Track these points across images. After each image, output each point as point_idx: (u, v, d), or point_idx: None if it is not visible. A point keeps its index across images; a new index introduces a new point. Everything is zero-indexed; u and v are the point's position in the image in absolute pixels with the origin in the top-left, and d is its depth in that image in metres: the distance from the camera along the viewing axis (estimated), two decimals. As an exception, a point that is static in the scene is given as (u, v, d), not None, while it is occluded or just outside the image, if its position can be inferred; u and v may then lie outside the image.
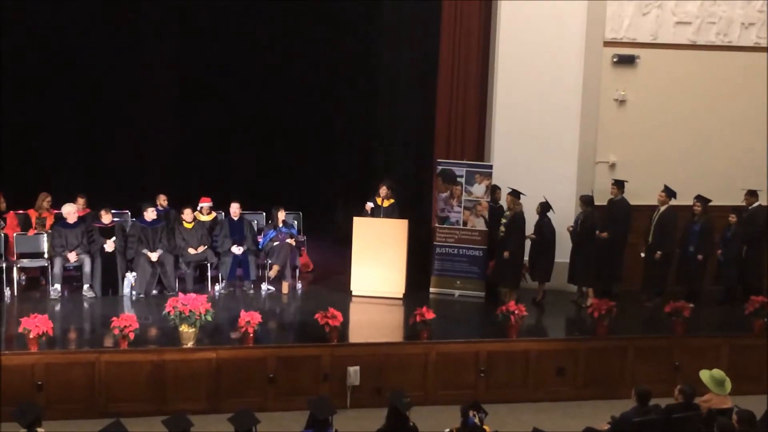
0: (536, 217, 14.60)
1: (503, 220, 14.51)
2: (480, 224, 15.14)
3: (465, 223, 15.22)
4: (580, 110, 15.52)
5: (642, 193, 15.24)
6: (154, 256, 14.41)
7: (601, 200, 15.19)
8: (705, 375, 10.44)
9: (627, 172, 15.54)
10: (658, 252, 14.68)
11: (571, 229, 14.69)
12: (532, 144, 15.43)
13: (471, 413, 9.37)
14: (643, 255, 14.95)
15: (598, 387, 12.87)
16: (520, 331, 12.98)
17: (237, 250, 14.87)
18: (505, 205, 14.68)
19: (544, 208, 14.55)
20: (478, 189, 15.14)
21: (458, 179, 15.19)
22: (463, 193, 15.19)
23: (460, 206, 15.22)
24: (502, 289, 14.64)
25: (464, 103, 15.81)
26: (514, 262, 14.41)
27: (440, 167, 15.37)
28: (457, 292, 15.16)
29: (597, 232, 14.68)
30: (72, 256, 14.27)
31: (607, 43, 15.57)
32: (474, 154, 15.80)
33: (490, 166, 15.28)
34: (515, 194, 14.41)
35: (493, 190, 15.11)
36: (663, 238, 14.73)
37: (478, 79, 15.81)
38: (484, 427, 9.40)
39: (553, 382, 12.84)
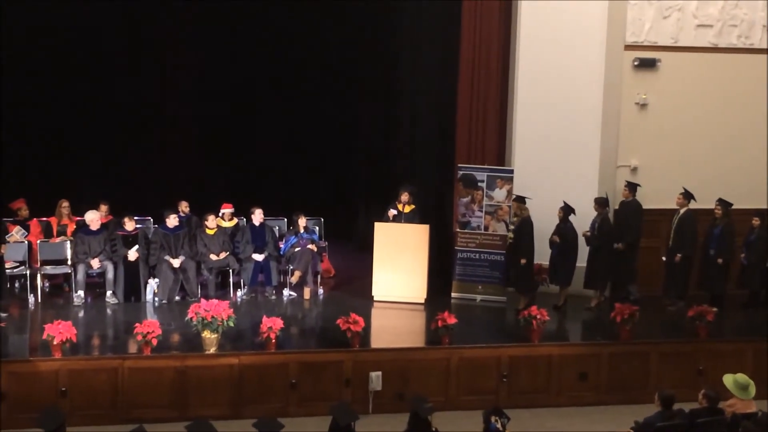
0: (556, 221, 14.56)
1: (511, 227, 14.49)
2: (501, 229, 15.12)
3: (486, 228, 15.20)
4: (601, 114, 15.47)
5: (664, 197, 15.19)
6: (176, 263, 14.48)
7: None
8: (729, 379, 10.36)
9: (649, 175, 15.51)
10: (678, 255, 14.62)
11: (588, 234, 14.62)
12: (553, 148, 15.41)
13: (493, 419, 9.33)
14: (664, 258, 14.89)
15: (621, 392, 12.81)
16: (541, 336, 12.94)
17: (258, 257, 14.91)
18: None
19: (566, 211, 14.52)
20: (500, 194, 15.13)
21: (479, 184, 15.18)
22: (485, 197, 15.17)
23: (482, 211, 15.21)
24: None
25: (485, 108, 15.79)
26: (527, 268, 14.37)
27: (461, 172, 15.37)
28: (478, 297, 15.14)
29: (614, 245, 14.66)
30: (95, 263, 14.36)
31: (628, 47, 15.52)
32: (495, 158, 15.78)
33: (511, 171, 15.26)
34: (520, 200, 14.42)
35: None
36: (683, 242, 14.67)
37: (499, 84, 15.79)
38: (507, 432, 9.38)
39: (576, 387, 12.79)
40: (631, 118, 15.66)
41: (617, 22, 15.36)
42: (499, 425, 9.31)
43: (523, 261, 14.30)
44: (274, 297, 14.98)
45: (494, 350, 12.77)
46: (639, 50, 15.56)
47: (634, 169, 15.67)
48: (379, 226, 14.83)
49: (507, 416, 9.40)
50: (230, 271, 15.05)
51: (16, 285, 14.82)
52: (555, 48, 15.24)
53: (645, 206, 15.06)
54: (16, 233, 14.84)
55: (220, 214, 15.40)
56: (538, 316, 12.80)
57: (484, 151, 15.86)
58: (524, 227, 14.34)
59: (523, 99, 15.53)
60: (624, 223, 14.91)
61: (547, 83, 15.32)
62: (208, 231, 14.94)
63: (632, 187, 14.99)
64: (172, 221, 14.77)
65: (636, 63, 15.53)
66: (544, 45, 15.28)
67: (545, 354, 12.82)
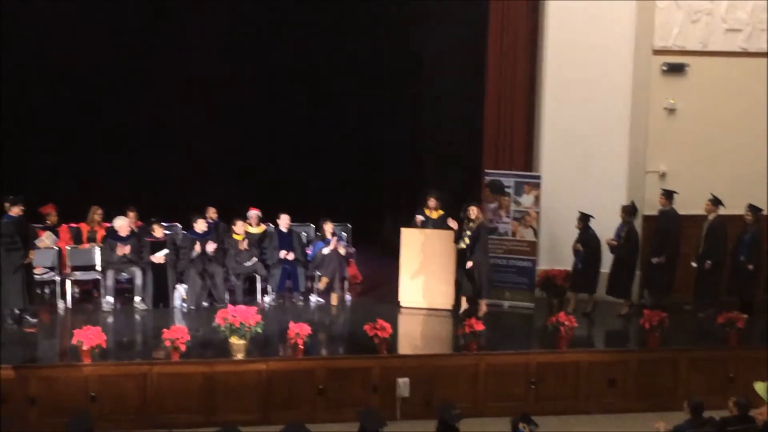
0: (577, 231, 14.54)
1: (468, 233, 14.18)
2: (529, 235, 15.08)
3: (514, 234, 15.16)
4: (630, 119, 15.40)
5: (693, 203, 15.04)
6: (208, 249, 14.57)
7: (651, 210, 15.09)
8: (760, 387, 10.29)
9: (677, 181, 15.39)
10: (708, 262, 14.52)
11: (613, 243, 14.52)
12: (580, 154, 15.35)
13: (521, 425, 9.30)
14: (694, 265, 14.79)
15: (650, 399, 12.71)
16: (570, 342, 12.88)
17: (287, 255, 14.96)
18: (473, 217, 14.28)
19: (585, 219, 14.45)
20: (527, 199, 15.09)
21: (506, 190, 15.15)
22: (512, 203, 15.14)
23: (509, 217, 15.18)
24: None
25: (512, 113, 15.77)
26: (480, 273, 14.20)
27: (488, 178, 15.34)
28: (506, 303, 15.10)
29: (653, 259, 14.64)
30: (126, 249, 14.47)
31: (657, 52, 15.45)
32: (522, 164, 15.75)
33: (539, 177, 15.22)
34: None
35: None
36: (712, 248, 14.57)
37: (526, 89, 15.76)
38: (536, 439, 9.34)
39: (605, 394, 12.71)
40: (660, 123, 15.57)
41: (645, 27, 15.29)
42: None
43: (469, 264, 14.12)
44: (301, 303, 15.01)
45: (522, 356, 12.73)
46: (667, 55, 15.48)
47: (663, 175, 15.58)
48: (406, 232, 14.83)
49: (535, 423, 9.37)
50: (258, 277, 15.08)
51: (46, 291, 14.93)
52: (582, 53, 15.17)
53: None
54: (46, 239, 14.94)
55: (247, 218, 15.44)
56: (567, 323, 12.75)
57: (512, 156, 15.84)
58: (482, 233, 14.17)
59: (551, 104, 15.48)
60: (663, 235, 14.79)
61: (575, 88, 15.26)
62: (235, 236, 14.99)
63: (669, 194, 14.82)
64: (200, 226, 14.82)
65: (664, 68, 15.46)
66: (571, 50, 15.21)
67: (573, 360, 12.75)
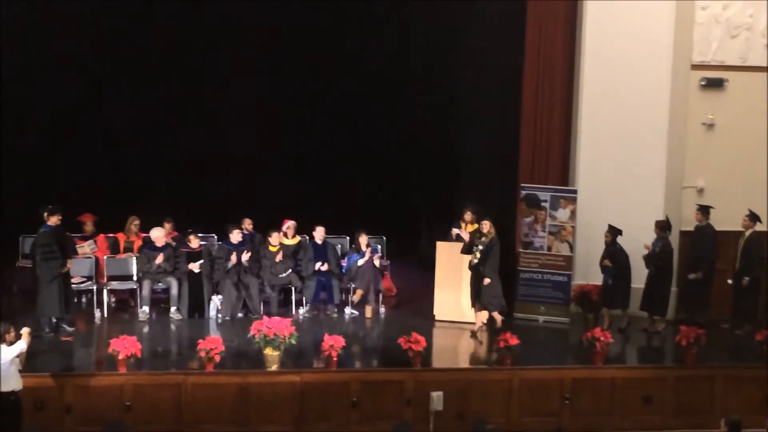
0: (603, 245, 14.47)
1: (480, 247, 14.01)
2: (564, 249, 15.01)
3: (549, 249, 15.10)
4: (667, 134, 15.31)
5: (730, 219, 14.94)
6: (242, 258, 14.62)
7: (688, 226, 14.97)
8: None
9: (715, 197, 15.25)
10: (746, 278, 14.38)
11: (649, 246, 14.39)
12: (617, 168, 15.28)
13: (556, 441, 9.27)
14: (730, 282, 14.65)
15: (686, 416, 12.62)
16: (605, 358, 12.80)
17: (324, 267, 15.01)
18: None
19: (614, 233, 14.36)
20: (563, 214, 15.03)
21: (542, 204, 15.10)
22: (548, 218, 15.08)
23: (545, 231, 15.12)
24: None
25: (548, 127, 15.73)
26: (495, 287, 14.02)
27: (524, 192, 15.30)
28: (541, 318, 15.03)
29: (689, 276, 14.56)
30: (160, 258, 14.56)
31: (695, 66, 15.35)
32: (558, 178, 15.69)
33: (575, 191, 15.16)
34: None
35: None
36: (749, 264, 14.46)
37: (563, 102, 15.72)
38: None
39: (640, 411, 12.61)
40: (698, 138, 15.46)
41: (684, 42, 15.21)
42: (561, 448, 9.25)
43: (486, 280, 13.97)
44: (335, 315, 15.03)
45: (557, 372, 12.67)
46: (706, 70, 15.38)
47: (701, 191, 15.45)
48: (441, 246, 14.82)
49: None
50: (292, 288, 15.12)
51: (83, 300, 15.05)
52: (620, 67, 15.12)
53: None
54: (87, 246, 15.08)
55: (283, 230, 15.49)
56: (602, 338, 12.67)
57: (548, 170, 15.79)
58: (493, 248, 14.01)
59: (588, 118, 15.42)
60: (699, 250, 14.68)
61: (612, 102, 15.20)
62: (270, 248, 15.04)
63: (705, 210, 14.73)
64: (235, 236, 14.89)
65: (703, 83, 15.35)
66: (609, 64, 15.17)
67: (609, 377, 12.67)
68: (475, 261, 13.98)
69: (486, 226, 14.00)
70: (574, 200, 15.03)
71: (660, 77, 15.20)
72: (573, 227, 15.01)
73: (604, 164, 15.32)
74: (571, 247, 15.02)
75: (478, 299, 14.02)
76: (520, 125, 15.86)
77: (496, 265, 13.96)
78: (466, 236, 14.52)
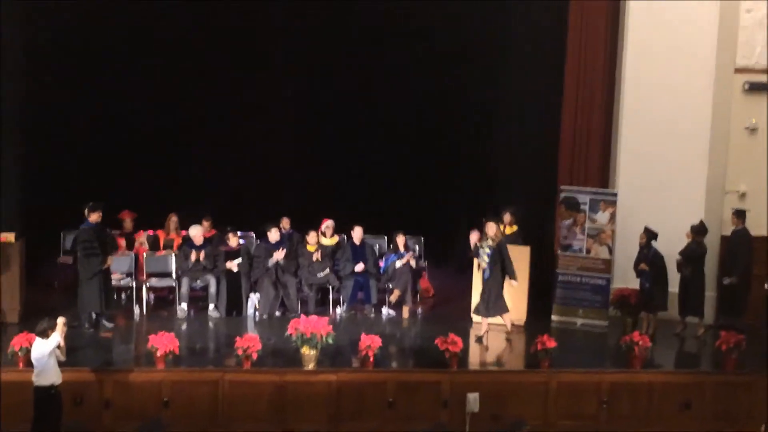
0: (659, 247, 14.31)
1: (487, 250, 13.88)
2: (604, 252, 14.92)
3: (588, 251, 15.01)
4: (709, 138, 15.19)
5: (773, 224, 14.82)
6: (278, 256, 14.67)
7: (729, 231, 14.83)
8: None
9: (757, 201, 15.13)
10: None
11: (679, 260, 14.30)
12: (658, 171, 15.18)
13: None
14: (767, 287, 14.49)
15: (726, 423, 12.46)
16: (643, 363, 12.71)
17: (358, 267, 15.03)
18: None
19: (650, 236, 14.24)
20: (602, 216, 14.93)
21: (582, 206, 15.01)
22: (587, 220, 14.99)
23: (584, 234, 15.03)
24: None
25: (588, 129, 15.65)
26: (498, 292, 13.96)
27: (563, 194, 15.22)
28: (579, 321, 14.95)
29: (724, 280, 14.45)
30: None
31: (738, 70, 15.19)
32: (598, 181, 15.60)
33: (615, 194, 15.06)
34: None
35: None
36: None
37: (603, 104, 15.63)
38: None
39: (679, 416, 12.49)
40: (741, 142, 15.30)
41: (727, 45, 15.06)
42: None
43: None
44: (373, 315, 15.04)
45: (594, 375, 12.58)
46: (750, 74, 15.21)
47: (743, 195, 15.30)
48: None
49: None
50: (330, 288, 15.15)
51: (123, 296, 15.18)
52: (663, 69, 15.01)
53: (753, 233, 14.68)
54: (144, 239, 15.37)
55: (321, 230, 15.53)
56: (640, 343, 12.58)
57: (587, 173, 15.70)
58: (504, 251, 13.93)
59: (629, 120, 15.33)
60: (734, 255, 14.54)
61: (654, 104, 15.10)
62: (308, 248, 15.09)
63: (740, 214, 14.62)
64: (273, 235, 14.96)
65: (746, 87, 15.19)
66: (651, 66, 15.07)
67: (647, 381, 12.58)
68: (484, 265, 13.91)
69: (491, 228, 13.93)
70: (613, 203, 14.92)
71: (703, 80, 15.08)
72: (612, 230, 14.91)
73: (644, 167, 15.22)
74: (611, 251, 14.91)
75: (490, 304, 13.94)
76: (560, 126, 15.78)
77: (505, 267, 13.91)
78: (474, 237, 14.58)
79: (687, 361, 14.00)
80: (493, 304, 13.88)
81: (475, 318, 14.60)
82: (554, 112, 15.93)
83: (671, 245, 14.35)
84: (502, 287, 13.95)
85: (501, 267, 13.86)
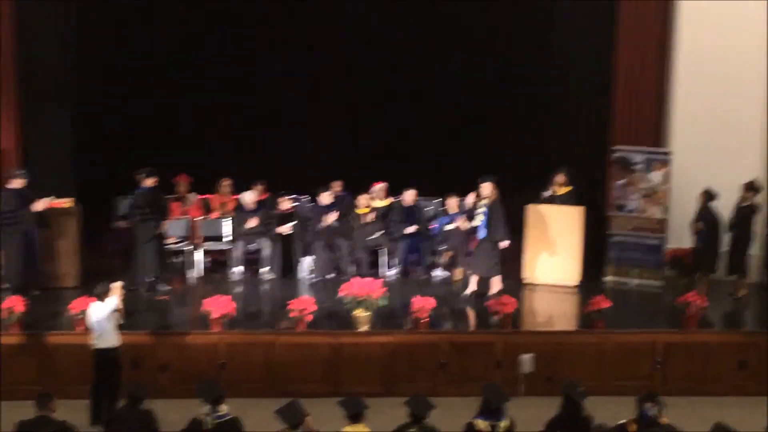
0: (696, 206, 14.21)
1: (482, 209, 13.86)
2: (658, 213, 14.78)
3: (642, 212, 14.88)
4: (765, 95, 14.91)
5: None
6: (329, 219, 14.75)
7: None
8: None
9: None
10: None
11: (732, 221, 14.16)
12: (713, 130, 14.99)
13: (647, 405, 9.18)
14: None
15: (782, 382, 12.37)
16: (698, 323, 12.63)
17: (411, 229, 15.06)
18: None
19: (707, 197, 14.07)
20: (656, 176, 14.78)
21: (635, 166, 14.86)
22: (641, 180, 14.85)
23: (638, 194, 14.89)
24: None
25: (642, 89, 15.40)
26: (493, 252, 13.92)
27: (616, 154, 15.07)
28: (633, 281, 14.86)
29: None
30: (253, 222, 14.79)
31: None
32: (651, 140, 15.39)
33: (669, 153, 14.88)
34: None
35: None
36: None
37: (657, 63, 15.35)
38: (663, 419, 9.19)
39: (735, 377, 12.43)
40: (797, 98, 15.05)
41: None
42: (654, 411, 9.15)
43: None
44: (424, 277, 15.06)
45: (649, 336, 12.54)
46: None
47: (801, 153, 15.07)
48: (531, 208, 14.69)
49: (662, 403, 9.23)
50: (382, 250, 15.19)
51: (178, 260, 15.33)
52: (718, 29, 14.76)
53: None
54: (188, 200, 15.51)
55: (373, 192, 15.56)
56: (696, 302, 12.48)
57: (640, 132, 15.50)
58: (494, 211, 13.82)
59: (683, 80, 15.12)
60: None
61: (709, 63, 14.87)
62: (360, 211, 15.13)
63: None
64: (325, 198, 15.00)
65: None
66: (706, 25, 14.81)
67: (702, 341, 12.51)
68: (477, 224, 13.86)
69: (486, 188, 13.82)
70: (667, 162, 14.75)
71: (758, 37, 14.79)
72: (667, 190, 14.74)
73: (699, 126, 15.02)
74: (665, 210, 14.77)
75: (476, 264, 13.94)
76: (613, 86, 15.58)
77: (497, 228, 13.79)
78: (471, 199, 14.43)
79: (740, 321, 13.88)
80: (481, 262, 13.87)
81: (527, 279, 14.60)
82: (607, 72, 15.71)
83: (726, 204, 14.19)
84: (497, 248, 13.88)
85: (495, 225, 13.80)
